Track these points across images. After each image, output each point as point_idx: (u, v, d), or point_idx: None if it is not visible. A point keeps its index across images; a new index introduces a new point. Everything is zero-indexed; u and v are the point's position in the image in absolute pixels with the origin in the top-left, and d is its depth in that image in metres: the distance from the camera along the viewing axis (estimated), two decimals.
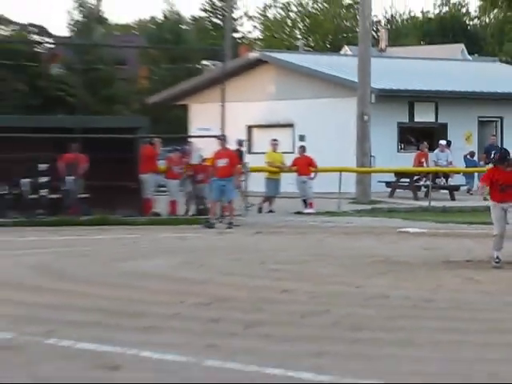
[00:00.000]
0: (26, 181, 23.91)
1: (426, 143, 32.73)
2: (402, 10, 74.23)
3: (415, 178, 31.22)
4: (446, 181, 31.76)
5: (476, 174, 31.10)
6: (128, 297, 11.63)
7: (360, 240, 21.16)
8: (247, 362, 7.08)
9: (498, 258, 14.32)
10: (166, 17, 58.18)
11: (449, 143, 33.41)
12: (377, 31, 55.67)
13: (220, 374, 6.81)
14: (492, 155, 21.58)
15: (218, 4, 64.15)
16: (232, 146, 25.72)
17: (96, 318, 9.88)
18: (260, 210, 27.28)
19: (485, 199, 19.10)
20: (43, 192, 24.25)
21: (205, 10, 66.87)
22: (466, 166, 33.06)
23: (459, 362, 7.33)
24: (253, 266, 15.74)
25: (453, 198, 30.68)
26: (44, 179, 24.15)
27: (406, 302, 11.41)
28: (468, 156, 34.02)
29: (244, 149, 29.41)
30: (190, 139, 29.71)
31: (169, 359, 7.26)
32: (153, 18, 63.06)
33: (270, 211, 27.24)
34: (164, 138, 28.98)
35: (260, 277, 14.19)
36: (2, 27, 47.96)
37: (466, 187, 32.37)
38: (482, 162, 32.49)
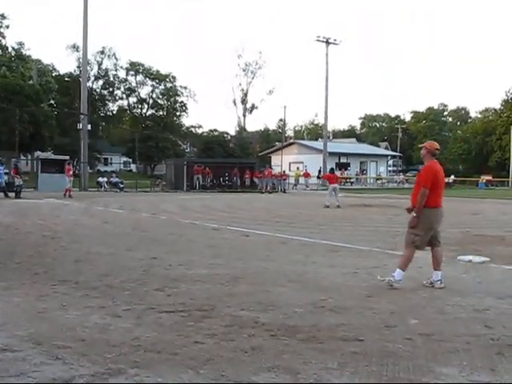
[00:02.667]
0: (220, 179, 39.27)
1: (343, 169, 55.51)
2: (337, 127, 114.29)
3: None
4: (350, 179, 54.79)
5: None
6: (251, 214, 18.82)
7: (322, 198, 27.41)
8: (289, 234, 12.27)
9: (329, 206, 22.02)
10: (264, 129, 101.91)
11: (349, 169, 58.09)
12: (330, 133, 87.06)
13: (278, 237, 11.71)
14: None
15: (280, 124, 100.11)
16: (278, 169, 44.04)
17: (240, 221, 15.70)
18: (293, 188, 43.61)
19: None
20: (225, 182, 39.41)
21: (276, 127, 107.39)
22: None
23: (350, 234, 12.77)
24: (289, 205, 24.53)
25: (351, 185, 51.58)
26: (227, 178, 39.50)
27: (336, 216, 18.41)
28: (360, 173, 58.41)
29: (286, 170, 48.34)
30: (270, 167, 47.69)
31: (264, 233, 12.43)
32: (260, 130, 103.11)
33: (295, 189, 43.61)
34: (263, 166, 45.79)
35: (289, 207, 22.48)
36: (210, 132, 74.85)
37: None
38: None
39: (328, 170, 28.52)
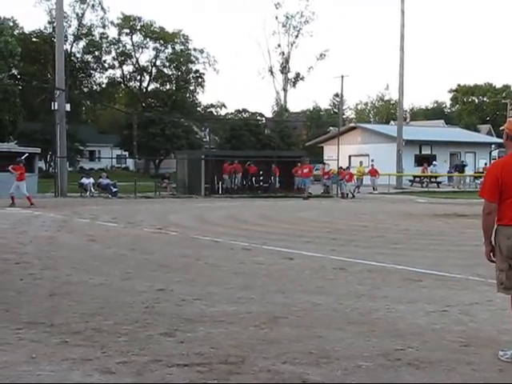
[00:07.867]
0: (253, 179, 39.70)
1: (426, 164, 54.55)
2: (416, 105, 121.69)
3: (421, 178, 53.52)
4: (436, 179, 53.73)
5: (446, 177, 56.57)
6: (295, 227, 19.18)
7: (396, 204, 32.02)
8: (350, 255, 12.86)
9: None
10: (314, 109, 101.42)
11: (435, 164, 55.59)
12: (407, 113, 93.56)
13: (334, 260, 12.17)
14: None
15: (336, 101, 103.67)
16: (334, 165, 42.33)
17: (281, 237, 16.15)
18: (354, 192, 40.99)
19: None
20: (258, 183, 40.17)
21: (330, 105, 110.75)
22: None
23: (436, 256, 13.28)
24: (350, 214, 25.18)
25: (438, 187, 51.30)
26: (261, 178, 39.92)
27: (417, 231, 18.66)
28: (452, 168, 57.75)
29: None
30: (324, 162, 47.96)
31: (314, 255, 12.77)
32: (308, 109, 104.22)
33: (358, 192, 41.29)
34: (311, 161, 47.40)
35: (349, 219, 22.97)
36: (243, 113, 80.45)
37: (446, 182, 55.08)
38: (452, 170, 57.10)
39: None
